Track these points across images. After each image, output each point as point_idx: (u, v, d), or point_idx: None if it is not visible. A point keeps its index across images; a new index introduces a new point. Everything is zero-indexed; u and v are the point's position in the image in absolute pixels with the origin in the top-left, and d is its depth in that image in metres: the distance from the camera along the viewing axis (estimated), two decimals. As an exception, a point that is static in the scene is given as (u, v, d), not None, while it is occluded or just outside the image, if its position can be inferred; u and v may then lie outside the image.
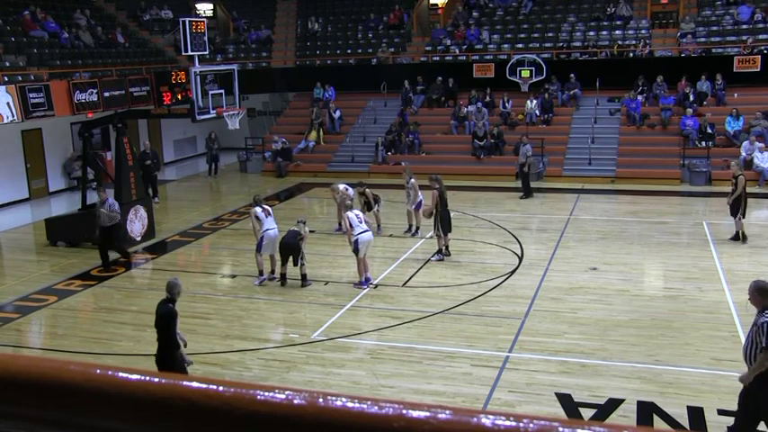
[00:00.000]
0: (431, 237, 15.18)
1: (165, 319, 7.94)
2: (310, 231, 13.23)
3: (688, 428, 7.71)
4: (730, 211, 14.95)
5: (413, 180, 15.94)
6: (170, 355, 7.95)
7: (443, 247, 14.27)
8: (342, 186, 16.16)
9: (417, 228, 16.11)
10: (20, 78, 19.76)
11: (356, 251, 12.60)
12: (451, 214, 14.62)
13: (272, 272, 13.26)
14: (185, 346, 8.42)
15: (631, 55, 25.63)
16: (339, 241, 15.47)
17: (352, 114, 26.84)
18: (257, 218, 13.12)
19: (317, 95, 27.11)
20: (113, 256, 14.73)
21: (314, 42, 30.02)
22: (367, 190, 16.13)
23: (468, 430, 0.75)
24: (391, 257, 14.56)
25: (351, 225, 12.58)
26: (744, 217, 14.84)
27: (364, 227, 12.65)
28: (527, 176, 20.14)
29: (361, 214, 12.98)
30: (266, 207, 13.29)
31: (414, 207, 16.03)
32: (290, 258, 12.65)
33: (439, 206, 13.98)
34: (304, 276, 12.80)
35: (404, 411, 0.77)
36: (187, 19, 16.21)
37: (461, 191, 20.07)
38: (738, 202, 14.67)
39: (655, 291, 12.40)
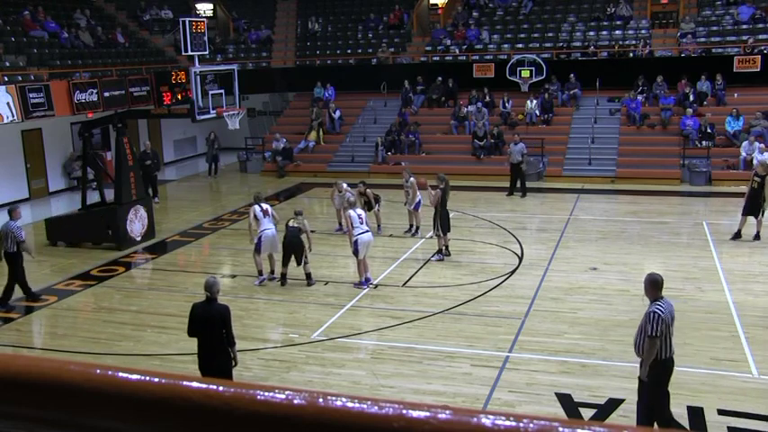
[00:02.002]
0: (431, 237, 15.19)
1: (227, 316, 7.84)
2: (311, 231, 13.21)
3: (688, 428, 7.71)
4: (747, 210, 14.86)
5: (412, 179, 15.92)
6: (229, 353, 7.89)
7: (443, 247, 14.27)
8: (345, 186, 16.17)
9: (417, 228, 16.11)
10: (20, 78, 19.76)
11: (356, 252, 12.59)
12: (451, 214, 14.62)
13: (272, 272, 13.27)
14: None
15: (631, 55, 25.64)
16: (339, 241, 15.47)
17: (352, 114, 26.83)
18: (255, 217, 13.06)
19: (318, 95, 27.11)
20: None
21: (314, 42, 30.02)
22: (368, 190, 16.13)
23: (468, 430, 0.75)
24: (391, 257, 14.56)
25: (352, 224, 12.56)
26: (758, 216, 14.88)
27: (365, 227, 12.62)
28: (524, 175, 20.16)
29: (363, 214, 12.91)
30: (265, 207, 13.18)
31: (413, 207, 16.03)
32: (293, 258, 12.61)
33: (439, 206, 13.98)
34: (309, 275, 12.81)
35: (404, 411, 0.77)
36: (187, 19, 16.21)
37: (461, 191, 20.06)
38: (757, 201, 14.65)
39: (655, 291, 12.38)
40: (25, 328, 11.78)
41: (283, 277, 12.89)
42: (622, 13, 27.04)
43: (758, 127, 21.78)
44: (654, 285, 7.20)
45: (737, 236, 15.08)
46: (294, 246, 12.53)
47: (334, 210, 16.79)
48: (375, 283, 12.89)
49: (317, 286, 12.82)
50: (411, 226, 16.26)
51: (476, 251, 15.00)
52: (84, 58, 23.38)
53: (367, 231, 12.66)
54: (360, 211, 12.97)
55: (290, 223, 12.76)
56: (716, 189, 20.55)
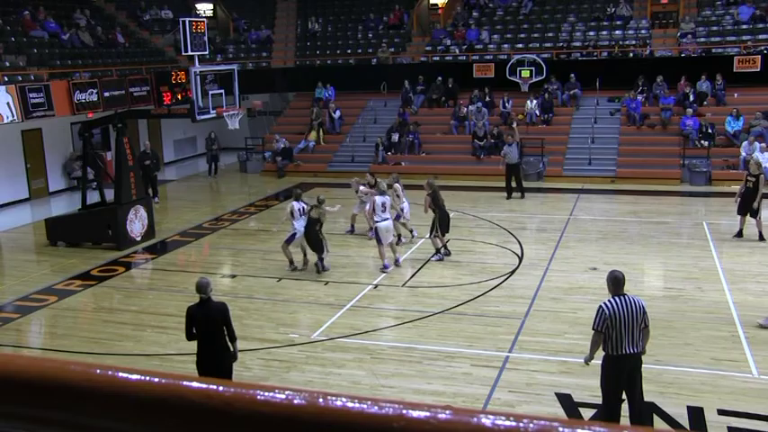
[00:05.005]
0: (428, 238, 15.19)
1: (226, 313, 7.82)
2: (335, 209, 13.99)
3: (688, 428, 7.71)
4: (742, 209, 14.87)
5: (396, 185, 15.29)
6: (230, 351, 7.87)
7: (442, 247, 14.27)
8: (362, 188, 15.91)
9: (411, 230, 15.74)
10: (20, 78, 19.76)
11: (378, 240, 13.34)
12: (451, 214, 14.61)
13: (305, 263, 13.84)
14: None
15: (631, 55, 25.64)
16: (339, 241, 15.47)
17: (352, 114, 26.83)
18: (292, 213, 13.49)
19: (318, 95, 27.10)
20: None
21: (314, 42, 30.01)
22: (396, 184, 15.45)
23: (468, 430, 0.75)
24: (391, 257, 14.53)
25: (374, 210, 13.27)
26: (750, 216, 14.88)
27: (386, 215, 13.30)
28: (520, 176, 20.07)
29: (387, 202, 13.45)
30: (304, 205, 13.64)
31: (394, 217, 15.36)
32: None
33: (435, 208, 13.99)
34: (321, 260, 13.48)
35: (404, 411, 0.77)
36: (187, 19, 16.19)
37: (461, 191, 20.07)
38: (751, 200, 14.63)
39: (655, 291, 12.39)
40: (25, 328, 11.78)
41: (317, 263, 13.51)
42: (622, 13, 27.04)
43: (758, 127, 21.77)
44: (612, 282, 7.36)
45: (740, 235, 15.09)
46: (310, 238, 13.14)
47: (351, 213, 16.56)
48: (375, 283, 12.91)
49: (316, 286, 12.84)
50: (411, 230, 15.90)
51: (476, 251, 15.00)
52: (84, 58, 23.38)
53: (387, 219, 13.37)
54: (386, 198, 13.49)
55: (312, 213, 13.21)
56: (716, 189, 20.54)
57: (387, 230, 13.38)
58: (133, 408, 0.83)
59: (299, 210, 13.48)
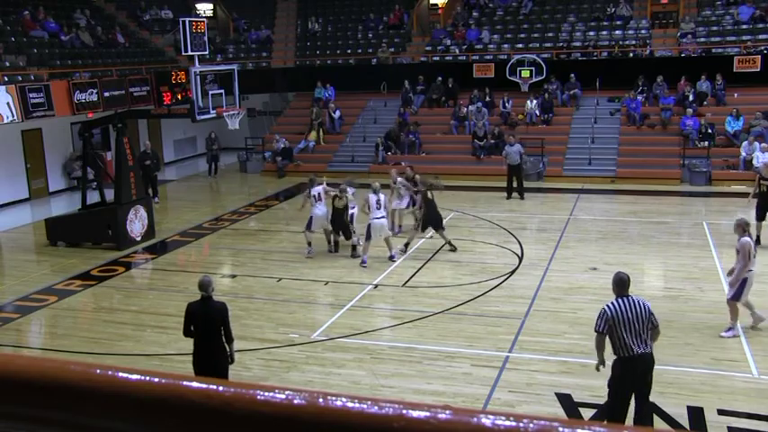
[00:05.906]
0: (430, 237, 15.21)
1: (225, 313, 7.80)
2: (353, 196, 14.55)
3: (688, 428, 7.71)
4: (761, 215, 14.65)
5: (400, 179, 15.63)
6: (226, 351, 7.84)
7: (406, 244, 14.67)
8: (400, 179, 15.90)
9: (400, 226, 16.08)
10: (20, 78, 19.76)
11: (368, 236, 13.68)
12: (451, 214, 14.67)
13: (328, 242, 14.82)
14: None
15: (631, 55, 25.64)
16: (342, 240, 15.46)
17: (352, 114, 26.83)
18: (313, 196, 14.24)
19: (318, 95, 27.10)
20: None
21: (314, 42, 30.02)
22: (416, 176, 15.79)
23: (468, 430, 0.75)
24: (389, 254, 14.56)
25: (369, 208, 13.68)
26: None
27: (381, 213, 13.76)
28: (522, 178, 20.03)
29: (382, 199, 13.86)
30: (320, 191, 14.33)
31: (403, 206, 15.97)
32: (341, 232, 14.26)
33: (423, 206, 14.48)
34: (354, 247, 14.29)
35: (404, 411, 0.77)
36: (187, 19, 16.19)
37: (461, 191, 20.06)
38: (766, 204, 14.49)
39: (655, 291, 12.38)
40: (25, 328, 11.78)
41: (336, 245, 14.62)
42: (622, 13, 27.04)
43: (758, 127, 21.76)
44: (616, 283, 7.38)
45: (757, 242, 14.86)
46: (338, 224, 14.05)
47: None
48: (375, 282, 12.92)
49: (316, 286, 12.84)
50: (394, 224, 16.06)
51: (476, 251, 15.00)
52: (84, 58, 23.38)
53: (382, 217, 13.79)
54: (380, 196, 13.84)
55: (337, 204, 13.97)
56: (716, 189, 20.54)
57: (380, 228, 13.81)
58: (133, 408, 0.83)
59: (315, 195, 14.27)
